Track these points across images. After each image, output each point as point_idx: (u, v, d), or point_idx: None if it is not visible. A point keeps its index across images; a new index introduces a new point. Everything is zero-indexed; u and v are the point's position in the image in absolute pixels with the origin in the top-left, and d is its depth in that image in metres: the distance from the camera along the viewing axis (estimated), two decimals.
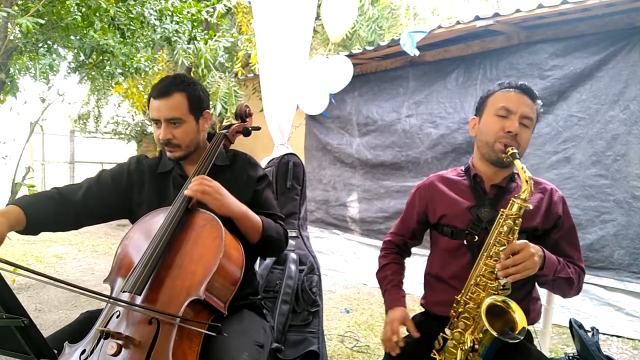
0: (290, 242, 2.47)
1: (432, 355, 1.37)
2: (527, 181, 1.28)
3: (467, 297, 1.33)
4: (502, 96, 1.44)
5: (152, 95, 1.47)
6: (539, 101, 1.46)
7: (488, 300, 1.25)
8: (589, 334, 2.23)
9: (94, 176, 1.55)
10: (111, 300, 1.18)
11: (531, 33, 3.85)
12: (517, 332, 1.19)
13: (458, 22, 3.88)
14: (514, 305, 1.24)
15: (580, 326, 2.28)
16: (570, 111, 3.58)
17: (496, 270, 1.26)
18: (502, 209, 1.32)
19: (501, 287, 1.28)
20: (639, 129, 3.26)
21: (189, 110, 1.47)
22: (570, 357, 2.24)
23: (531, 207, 1.31)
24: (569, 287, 1.39)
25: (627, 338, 3.21)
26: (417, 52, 4.07)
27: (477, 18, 3.74)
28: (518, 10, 3.50)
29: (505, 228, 1.29)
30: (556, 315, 3.29)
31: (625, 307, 3.30)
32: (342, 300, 4.10)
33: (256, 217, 1.44)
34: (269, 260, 2.38)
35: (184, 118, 1.46)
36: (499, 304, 1.25)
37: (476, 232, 1.45)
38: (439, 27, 4.00)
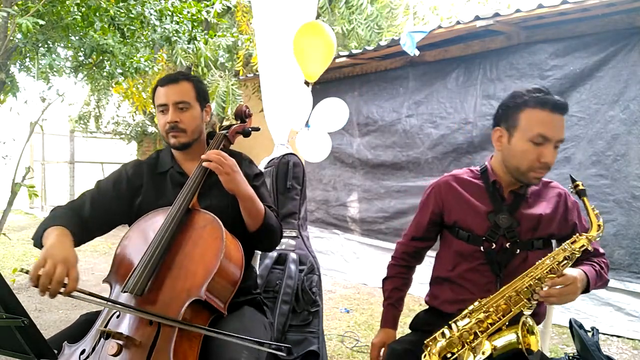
0: (290, 242, 2.47)
1: (425, 342, 1.37)
2: (600, 226, 1.29)
3: (493, 303, 1.31)
4: (539, 118, 1.34)
5: (159, 84, 1.52)
6: None
7: (528, 320, 1.25)
8: (589, 334, 2.22)
9: (92, 188, 1.54)
10: (129, 309, 1.18)
11: (531, 33, 3.85)
12: (534, 354, 1.22)
13: (458, 22, 3.88)
14: (536, 330, 1.26)
15: (580, 326, 2.27)
16: (571, 111, 3.54)
17: (536, 293, 1.27)
18: (567, 242, 1.30)
19: (528, 306, 1.28)
20: (639, 129, 3.26)
21: (195, 97, 1.53)
22: (570, 357, 2.24)
23: (591, 249, 1.31)
24: (603, 285, 1.42)
25: (627, 338, 3.21)
26: (417, 52, 4.07)
27: (477, 18, 3.74)
28: (518, 10, 3.49)
29: (560, 258, 1.28)
30: (556, 315, 3.29)
31: (625, 307, 3.30)
32: (342, 300, 4.10)
33: (260, 203, 1.46)
34: (268, 260, 2.38)
35: (192, 103, 1.51)
36: (529, 325, 1.25)
37: (494, 240, 1.43)
38: (439, 27, 4.00)
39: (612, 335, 3.26)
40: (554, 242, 1.52)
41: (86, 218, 1.43)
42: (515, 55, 3.87)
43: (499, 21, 3.66)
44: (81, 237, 1.39)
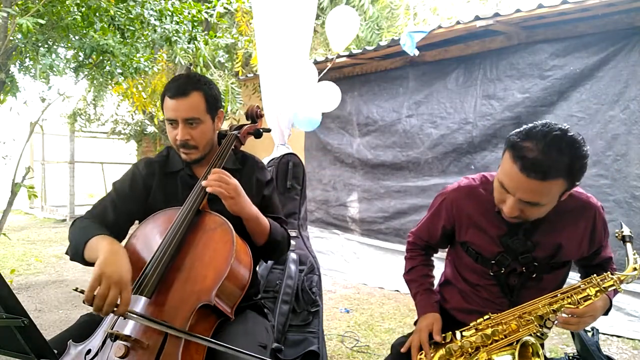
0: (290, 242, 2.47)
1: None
2: (635, 269, 1.24)
3: (503, 320, 1.28)
4: (507, 168, 1.17)
5: (167, 94, 1.43)
6: (569, 172, 1.14)
7: (531, 340, 1.21)
8: (589, 334, 2.22)
9: (110, 193, 1.51)
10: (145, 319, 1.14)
11: (531, 33, 3.85)
12: None
13: (458, 22, 3.88)
14: (541, 352, 1.21)
15: None
16: (571, 111, 3.58)
17: (549, 321, 1.24)
18: (596, 277, 1.24)
19: (540, 333, 1.24)
20: (639, 129, 3.26)
21: (206, 110, 1.45)
22: (570, 357, 2.23)
23: (622, 290, 1.27)
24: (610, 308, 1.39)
25: (627, 338, 3.21)
26: (417, 52, 4.07)
27: (477, 18, 3.74)
28: (518, 10, 3.49)
29: (585, 294, 1.23)
30: None
31: (625, 307, 3.30)
32: (342, 300, 4.10)
33: (265, 221, 1.44)
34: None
35: (202, 118, 1.44)
36: (531, 345, 1.21)
37: (504, 265, 1.36)
38: (439, 27, 4.00)
39: (612, 335, 3.26)
40: None
41: (111, 224, 1.40)
42: (515, 55, 3.87)
43: (499, 21, 3.66)
44: None
